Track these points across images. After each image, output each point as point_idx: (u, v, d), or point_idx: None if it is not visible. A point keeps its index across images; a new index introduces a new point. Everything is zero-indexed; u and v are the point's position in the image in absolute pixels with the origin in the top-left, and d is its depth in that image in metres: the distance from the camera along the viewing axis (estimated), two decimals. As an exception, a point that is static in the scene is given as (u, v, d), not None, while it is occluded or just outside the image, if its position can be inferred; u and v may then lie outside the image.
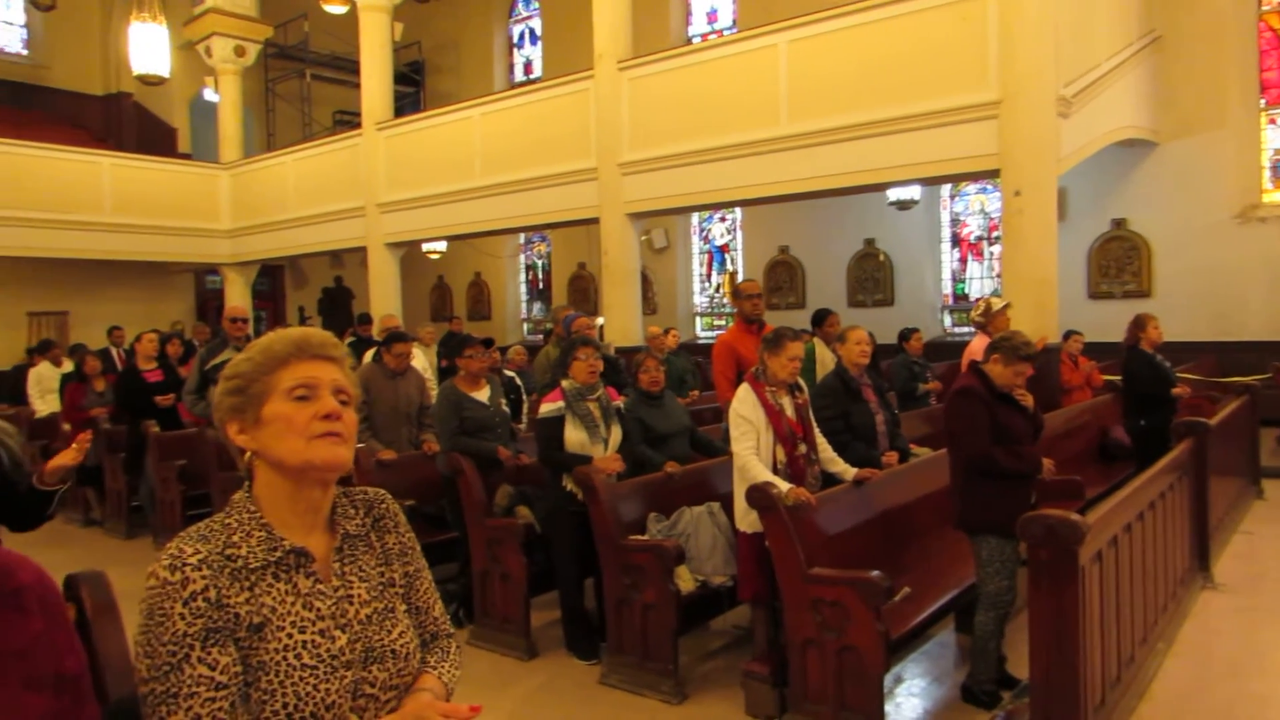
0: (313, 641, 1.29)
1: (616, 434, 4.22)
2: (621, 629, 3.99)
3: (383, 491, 1.50)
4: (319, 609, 1.32)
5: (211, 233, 13.13)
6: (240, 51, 13.17)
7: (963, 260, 12.42)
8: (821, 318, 6.04)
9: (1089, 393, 7.56)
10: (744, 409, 3.70)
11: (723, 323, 14.14)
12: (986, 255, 12.18)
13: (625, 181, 9.11)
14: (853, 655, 3.28)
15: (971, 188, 12.11)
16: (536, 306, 16.47)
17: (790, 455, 3.69)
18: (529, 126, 9.94)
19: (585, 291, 14.81)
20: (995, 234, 11.86)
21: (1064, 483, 4.09)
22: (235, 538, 1.29)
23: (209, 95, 15.08)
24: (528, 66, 16.19)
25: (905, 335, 7.73)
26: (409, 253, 11.94)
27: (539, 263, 16.45)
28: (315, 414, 1.31)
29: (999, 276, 11.67)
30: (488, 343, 5.22)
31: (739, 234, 13.92)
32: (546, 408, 4.18)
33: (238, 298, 13.11)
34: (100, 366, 7.72)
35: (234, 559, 1.28)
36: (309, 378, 1.33)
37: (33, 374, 8.95)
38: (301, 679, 1.26)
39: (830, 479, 3.95)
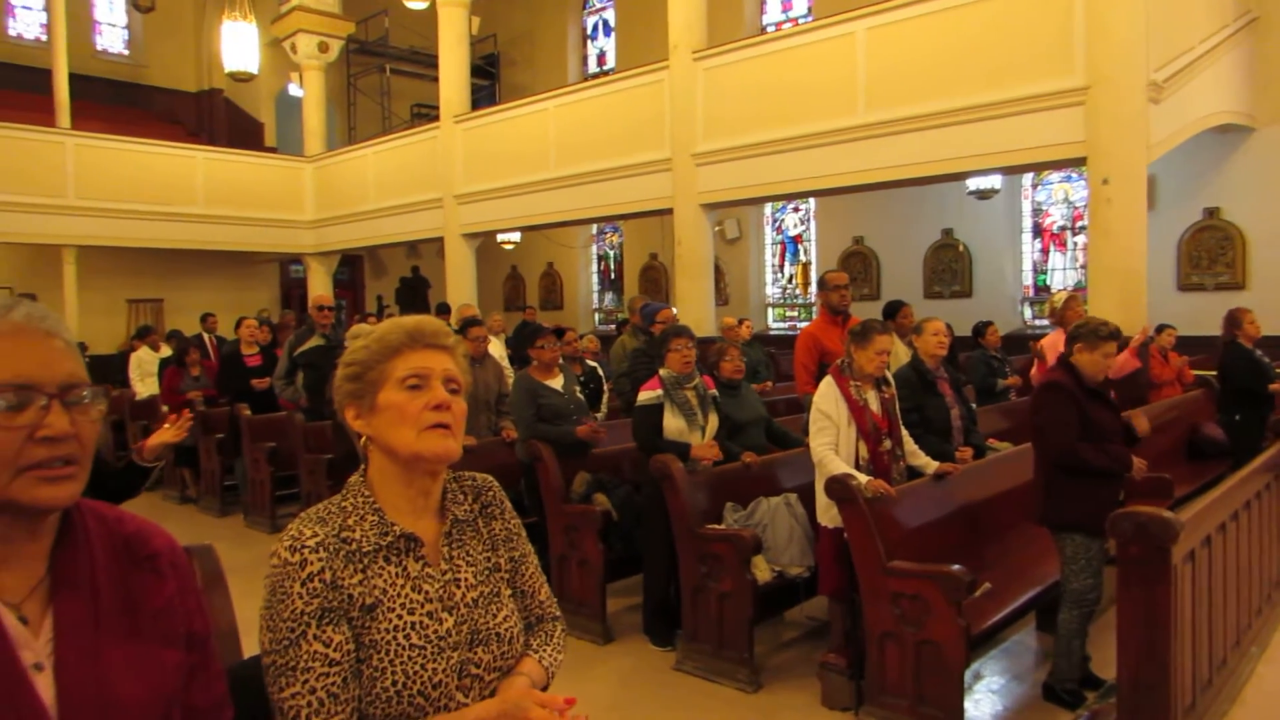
0: (421, 623, 1.34)
1: (713, 422, 4.26)
2: (697, 617, 4.03)
3: (490, 478, 1.56)
4: (427, 591, 1.37)
5: (296, 224, 13.56)
6: (324, 48, 13.54)
7: (1045, 251, 12.07)
8: (894, 310, 5.96)
9: (1179, 388, 7.30)
10: (824, 404, 3.69)
11: (795, 314, 14.05)
12: (1070, 246, 11.82)
13: (699, 172, 9.11)
14: (932, 650, 3.26)
15: (1055, 176, 11.75)
16: (608, 297, 16.58)
17: (873, 451, 3.67)
18: (603, 118, 10.01)
19: (657, 282, 14.86)
20: (1080, 224, 11.50)
21: (1152, 480, 3.99)
22: (350, 521, 1.36)
23: (294, 90, 15.58)
24: (601, 58, 16.27)
25: (981, 329, 7.59)
26: (484, 243, 12.15)
27: (611, 253, 16.55)
28: (426, 404, 1.35)
29: (1083, 268, 11.33)
30: (559, 332, 5.30)
31: (813, 224, 13.79)
32: (645, 395, 4.23)
33: (320, 287, 13.53)
34: (199, 355, 8.11)
35: (349, 542, 1.34)
36: (421, 367, 1.37)
37: (133, 358, 9.41)
38: (410, 658, 1.32)
39: (912, 473, 3.93)
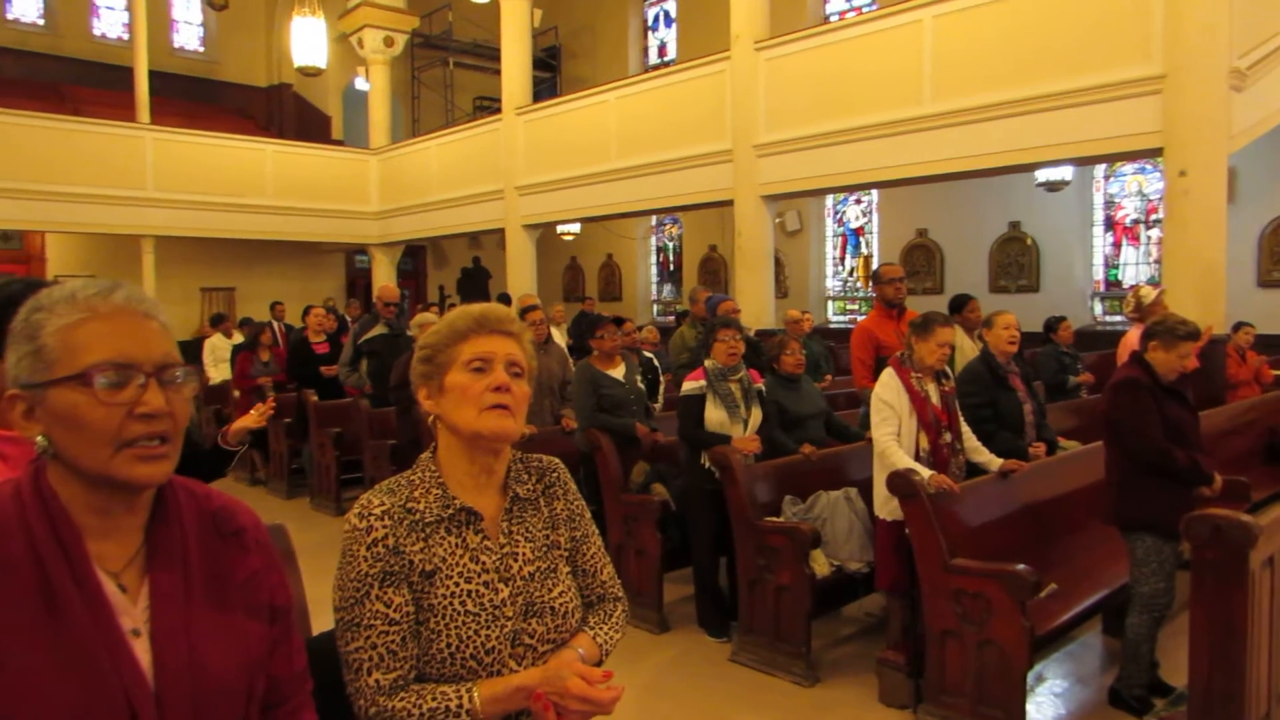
0: (477, 591, 1.43)
1: (756, 415, 4.24)
2: (754, 609, 4.03)
3: (556, 460, 1.62)
4: (484, 562, 1.45)
5: (361, 215, 13.83)
6: (389, 42, 13.76)
7: (1116, 245, 11.71)
8: (961, 304, 5.85)
9: (1257, 388, 7.03)
10: (886, 394, 3.65)
11: (855, 307, 13.87)
12: (1144, 240, 11.45)
13: (760, 163, 9.04)
14: (994, 650, 3.21)
15: (1129, 168, 11.38)
16: (667, 288, 16.59)
17: (934, 443, 3.62)
18: (664, 109, 9.99)
19: (716, 274, 14.81)
20: (1154, 217, 11.14)
21: (1229, 483, 3.85)
22: (416, 493, 1.45)
23: (359, 84, 15.88)
24: (662, 49, 16.24)
25: (1053, 324, 7.41)
26: (543, 234, 12.23)
27: (670, 245, 16.54)
28: (488, 385, 1.44)
29: (1157, 263, 10.97)
30: (619, 322, 5.33)
31: (875, 216, 13.59)
32: (689, 386, 4.24)
33: (384, 277, 13.78)
34: (271, 341, 8.36)
35: (413, 512, 1.43)
36: (485, 351, 1.46)
37: (207, 344, 9.74)
38: (464, 624, 1.40)
39: (974, 469, 3.86)
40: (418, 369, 1.51)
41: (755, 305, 8.98)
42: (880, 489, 3.66)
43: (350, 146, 14.96)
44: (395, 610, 1.38)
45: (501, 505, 1.51)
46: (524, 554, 1.49)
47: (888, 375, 3.72)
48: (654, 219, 16.08)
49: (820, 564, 3.85)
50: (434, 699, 1.36)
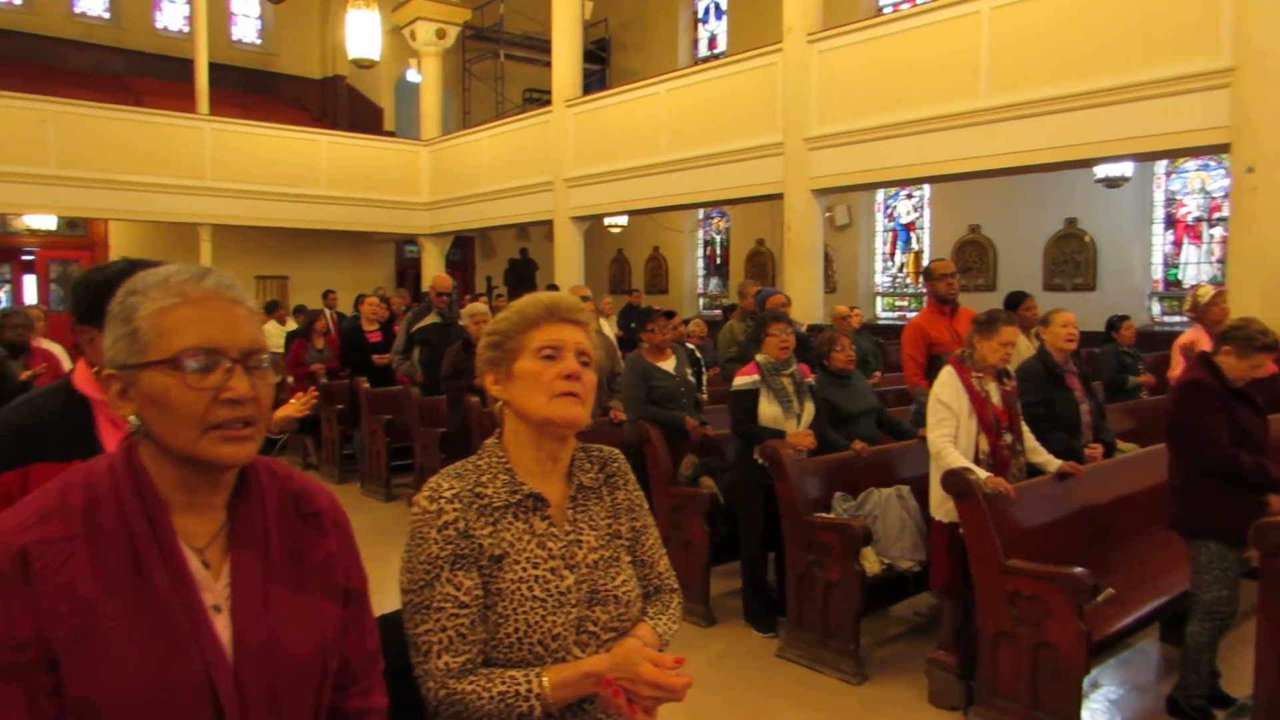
0: (543, 577, 1.43)
1: (809, 410, 4.22)
2: (802, 605, 4.02)
3: (617, 451, 1.63)
4: (550, 549, 1.46)
5: (412, 205, 13.99)
6: (441, 34, 13.89)
7: (1177, 243, 11.40)
8: (1017, 301, 5.74)
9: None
10: (945, 394, 3.60)
11: (905, 303, 13.70)
12: (1206, 238, 11.13)
13: (812, 156, 8.96)
14: (1050, 653, 3.16)
15: (1191, 164, 11.07)
16: (713, 282, 16.54)
17: (994, 445, 3.57)
18: (715, 101, 9.95)
19: (763, 268, 14.73)
20: (1218, 215, 10.82)
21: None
22: (484, 478, 1.47)
23: (411, 76, 16.06)
24: (712, 41, 16.17)
25: (1115, 323, 7.25)
26: (590, 226, 12.27)
27: (717, 238, 16.49)
28: (558, 373, 1.44)
29: (1220, 262, 10.67)
30: (669, 314, 5.34)
31: (926, 211, 13.39)
32: (741, 380, 4.23)
33: (434, 267, 13.93)
34: (325, 328, 8.52)
35: (481, 496, 1.45)
36: (556, 339, 1.46)
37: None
38: (531, 609, 1.41)
39: (1032, 470, 3.80)
40: (486, 354, 1.52)
41: (804, 300, 8.91)
42: (936, 489, 3.61)
43: (402, 138, 15.13)
44: (465, 593, 1.39)
45: (566, 493, 1.52)
46: (588, 542, 1.50)
47: (947, 375, 3.67)
48: (701, 212, 16.03)
49: (871, 562, 3.82)
50: (503, 683, 1.37)
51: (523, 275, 15.87)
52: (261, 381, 1.12)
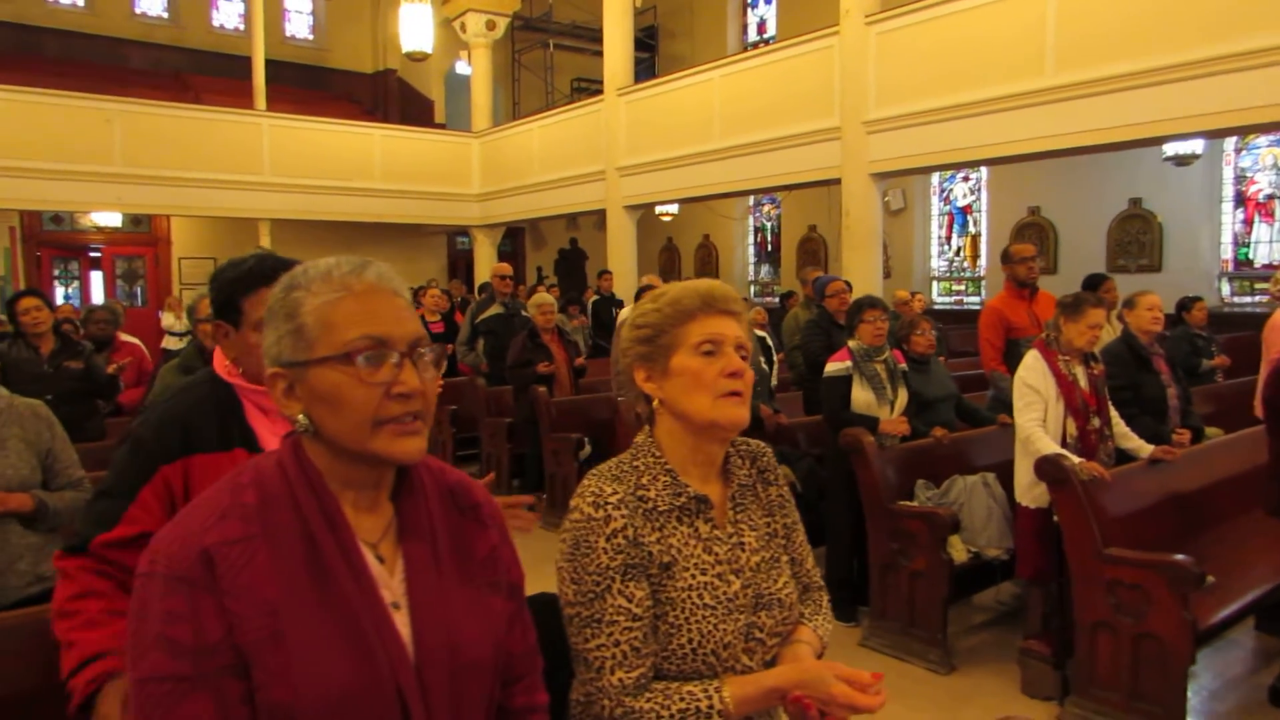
0: (711, 584, 1.36)
1: (903, 396, 4.17)
2: (886, 594, 3.98)
3: (764, 444, 1.55)
4: (717, 554, 1.38)
5: (463, 197, 14.08)
6: (491, 25, 13.91)
7: (1248, 222, 11.05)
8: (1096, 283, 5.60)
9: None
10: (1031, 378, 3.53)
11: (962, 288, 13.48)
12: (1278, 216, 10.77)
13: (870, 140, 8.83)
14: (1152, 643, 3.09)
15: (1263, 140, 10.71)
16: (764, 269, 16.42)
17: (1082, 429, 3.49)
18: (770, 87, 9.84)
19: (815, 254, 14.58)
20: (1293, 192, 10.47)
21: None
22: (644, 480, 1.38)
23: (461, 68, 16.14)
24: (761, 26, 16.00)
25: (1186, 305, 7.05)
26: (641, 215, 12.24)
27: (768, 225, 16.36)
28: (722, 370, 1.35)
29: (1295, 240, 10.34)
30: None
31: (983, 194, 13.14)
32: (833, 367, 4.19)
33: (486, 258, 14.02)
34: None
35: (645, 500, 1.36)
36: (716, 333, 1.37)
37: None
38: (703, 618, 1.34)
39: (1120, 456, 3.71)
40: (634, 349, 1.42)
41: (863, 286, 8.78)
42: (1024, 475, 3.55)
43: (453, 130, 15.22)
44: (637, 605, 1.31)
45: (725, 493, 1.44)
46: (750, 544, 1.43)
47: (1032, 358, 3.59)
48: (752, 199, 15.91)
49: (958, 550, 3.76)
50: (681, 699, 1.30)
51: (573, 265, 15.90)
52: (427, 373, 1.08)
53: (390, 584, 1.08)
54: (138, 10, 15.51)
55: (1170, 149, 9.93)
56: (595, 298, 9.81)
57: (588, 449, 5.93)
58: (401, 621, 1.06)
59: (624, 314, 7.01)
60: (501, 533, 1.24)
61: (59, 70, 12.96)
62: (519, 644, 1.23)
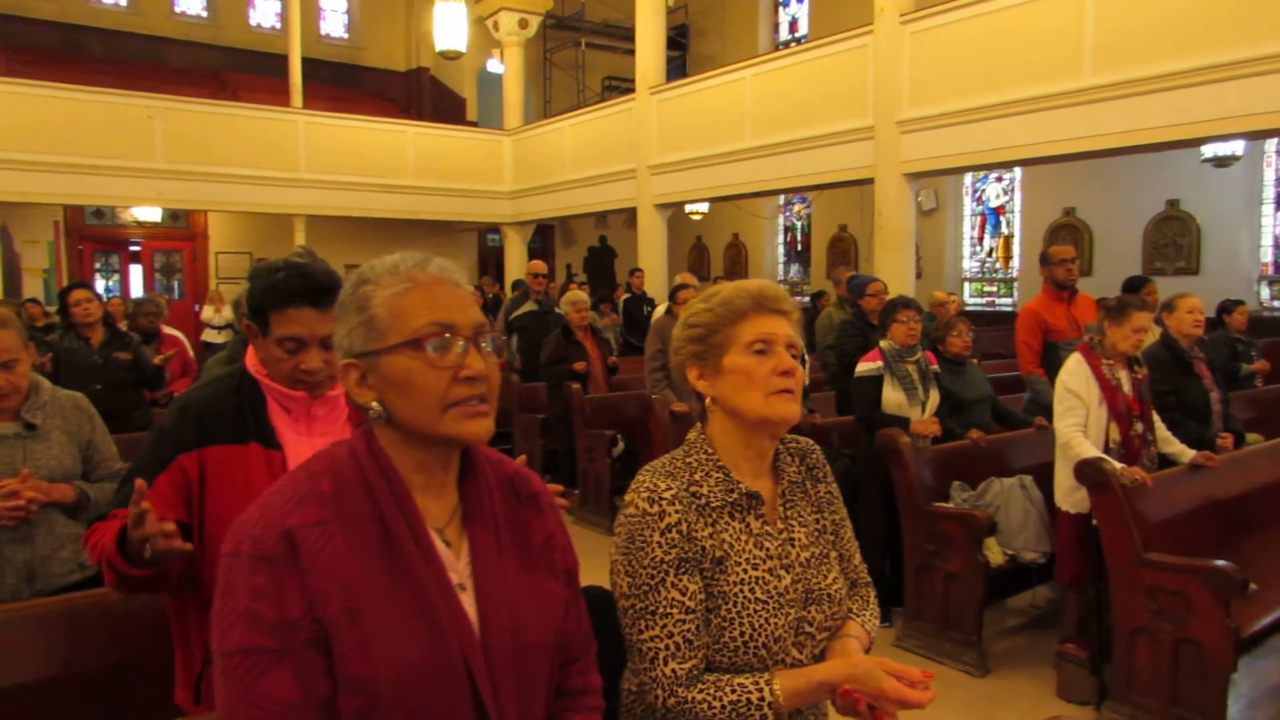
0: (762, 579, 1.39)
1: (934, 398, 4.16)
2: (920, 595, 3.98)
3: (812, 442, 1.58)
4: (768, 549, 1.42)
5: (495, 194, 14.16)
6: (523, 24, 13.99)
7: (1289, 224, 10.88)
8: (1137, 285, 5.54)
9: None
10: (1073, 382, 3.51)
11: (994, 289, 13.38)
12: (1321, 219, 10.59)
13: (904, 140, 8.79)
14: (1193, 650, 3.07)
15: (1306, 140, 10.54)
16: (794, 268, 16.38)
17: (1125, 435, 3.47)
18: (802, 85, 9.82)
19: (846, 254, 14.52)
20: (1336, 194, 10.28)
21: None
22: (697, 476, 1.41)
23: (493, 66, 16.23)
24: (793, 25, 15.95)
25: (1227, 308, 6.97)
26: (671, 213, 12.26)
27: (798, 224, 16.31)
28: (773, 369, 1.38)
29: (1339, 243, 10.16)
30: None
31: (1017, 194, 13.02)
32: (864, 367, 4.19)
33: (517, 255, 14.11)
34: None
35: (698, 496, 1.40)
36: (767, 332, 1.40)
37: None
38: (755, 612, 1.37)
39: (1163, 461, 3.68)
40: (687, 348, 1.46)
41: (895, 287, 8.70)
42: (1064, 480, 3.54)
43: (485, 128, 15.32)
44: (690, 598, 1.35)
45: (775, 489, 1.48)
46: (800, 539, 1.46)
47: (1075, 362, 3.57)
48: (782, 198, 15.88)
49: (994, 552, 3.75)
50: (733, 691, 1.33)
51: (602, 263, 15.95)
52: (490, 359, 1.14)
53: (456, 566, 1.13)
54: (178, 9, 15.75)
55: (1210, 150, 9.81)
56: (626, 296, 9.85)
57: (620, 446, 5.98)
58: (467, 602, 1.12)
59: (657, 313, 7.04)
60: (557, 520, 1.29)
61: (102, 68, 13.20)
62: (575, 627, 1.27)
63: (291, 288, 1.65)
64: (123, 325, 5.04)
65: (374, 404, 1.11)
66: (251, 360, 1.76)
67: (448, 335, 1.09)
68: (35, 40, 13.98)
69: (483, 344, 1.13)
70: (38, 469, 2.34)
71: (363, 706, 1.02)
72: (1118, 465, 3.33)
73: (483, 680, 1.08)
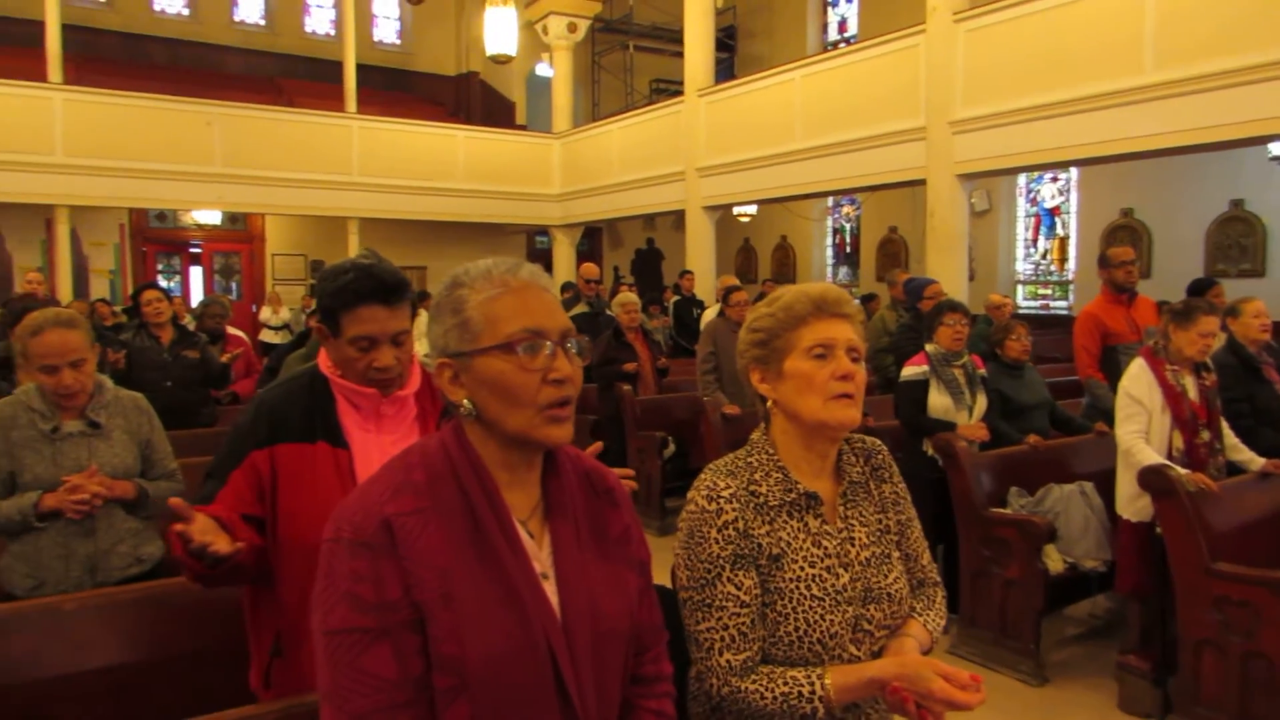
0: (820, 576, 1.42)
1: (981, 402, 4.11)
2: (976, 602, 3.92)
3: (879, 441, 1.59)
4: (826, 548, 1.44)
5: (543, 197, 14.28)
6: (572, 28, 14.09)
7: (1361, 224, 10.50)
8: (1203, 288, 5.39)
9: None
10: (1135, 389, 3.43)
11: (1049, 291, 13.12)
12: (1395, 219, 10.21)
13: (956, 140, 8.67)
14: (1262, 663, 2.98)
15: (1381, 138, 10.15)
16: (842, 271, 16.24)
17: (1189, 442, 3.38)
18: (852, 86, 9.75)
19: (896, 256, 14.35)
20: None
21: None
22: (757, 476, 1.46)
23: (541, 70, 16.37)
24: (842, 25, 15.83)
25: (1295, 311, 6.74)
26: (719, 215, 12.24)
27: (847, 226, 16.17)
28: (833, 373, 1.42)
29: None
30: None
31: (1073, 195, 12.75)
32: (910, 371, 4.15)
33: (565, 257, 14.21)
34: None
35: (757, 495, 1.44)
36: (827, 337, 1.44)
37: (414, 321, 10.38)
38: (810, 608, 1.40)
39: (1232, 469, 3.59)
40: (750, 352, 1.50)
41: (949, 290, 8.54)
42: (1126, 487, 3.46)
43: (534, 131, 15.45)
44: (745, 593, 1.40)
45: (836, 490, 1.50)
46: (860, 539, 1.48)
47: (1138, 368, 3.49)
48: (830, 200, 15.76)
49: (1054, 560, 3.69)
50: (785, 683, 1.37)
51: (650, 265, 15.98)
52: (576, 363, 1.18)
53: (539, 556, 1.19)
54: (236, 18, 16.16)
55: (1276, 148, 9.51)
56: (676, 298, 9.86)
57: (671, 447, 5.99)
58: (550, 591, 1.17)
59: (707, 315, 7.05)
60: (632, 514, 1.34)
61: (164, 76, 13.59)
62: (648, 617, 1.32)
63: (361, 288, 1.70)
64: (186, 323, 5.19)
65: (465, 402, 1.17)
66: (324, 360, 1.81)
67: (537, 340, 1.14)
68: (101, 49, 14.46)
69: (569, 347, 1.18)
70: (101, 466, 2.43)
71: (454, 685, 1.08)
72: (1182, 471, 3.25)
73: (565, 664, 1.13)
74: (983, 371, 4.25)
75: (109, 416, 2.51)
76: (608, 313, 6.62)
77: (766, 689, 1.37)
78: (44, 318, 2.42)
